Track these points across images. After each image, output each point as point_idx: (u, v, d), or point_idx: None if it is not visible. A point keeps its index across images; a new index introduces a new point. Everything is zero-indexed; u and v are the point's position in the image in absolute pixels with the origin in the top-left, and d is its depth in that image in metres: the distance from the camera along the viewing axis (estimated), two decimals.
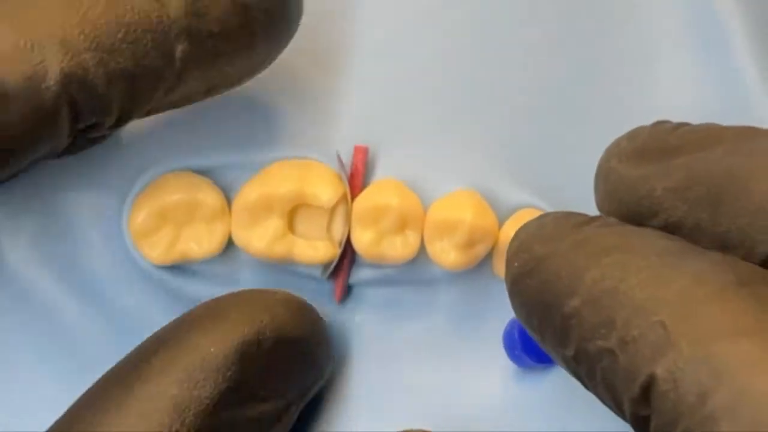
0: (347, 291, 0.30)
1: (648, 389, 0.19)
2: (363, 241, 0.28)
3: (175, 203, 0.27)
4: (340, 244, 0.28)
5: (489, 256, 0.29)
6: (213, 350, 0.24)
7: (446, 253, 0.28)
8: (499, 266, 0.29)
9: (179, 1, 0.24)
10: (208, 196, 0.28)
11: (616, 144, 0.24)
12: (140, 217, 0.27)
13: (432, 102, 0.29)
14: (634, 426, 0.20)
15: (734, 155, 0.21)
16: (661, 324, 0.19)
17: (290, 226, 0.28)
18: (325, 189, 0.28)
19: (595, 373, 0.21)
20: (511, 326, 0.28)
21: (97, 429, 0.23)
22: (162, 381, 0.24)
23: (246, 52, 0.25)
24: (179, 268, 0.29)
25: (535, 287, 0.22)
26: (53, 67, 0.22)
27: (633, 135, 0.24)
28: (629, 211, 0.23)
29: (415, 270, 0.29)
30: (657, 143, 0.23)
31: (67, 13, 0.22)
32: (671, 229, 0.22)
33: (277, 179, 0.28)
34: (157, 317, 0.28)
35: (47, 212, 0.28)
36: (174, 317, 0.26)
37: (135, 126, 0.27)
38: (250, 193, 0.28)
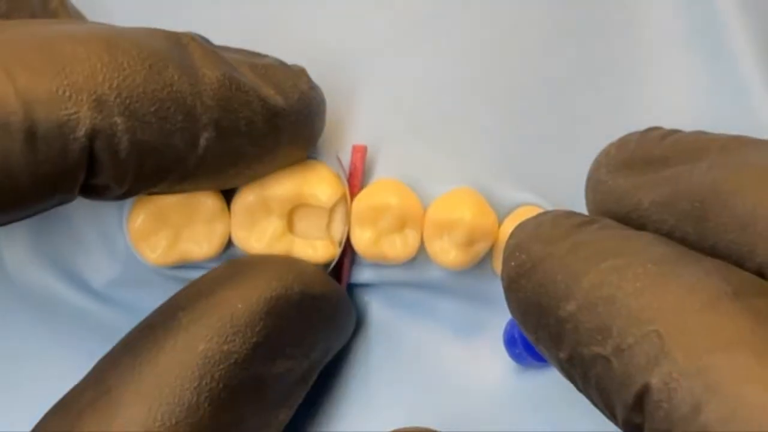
0: (348, 291, 0.30)
1: (642, 398, 0.19)
2: (363, 240, 0.28)
3: (174, 204, 0.27)
4: (340, 243, 0.28)
5: (489, 255, 0.29)
6: (241, 306, 0.25)
7: (446, 252, 0.28)
8: (499, 264, 0.28)
9: (214, 92, 0.24)
10: (207, 197, 0.28)
11: (605, 153, 0.24)
12: (139, 219, 0.27)
13: (430, 101, 0.29)
14: None
15: (719, 169, 0.21)
16: (656, 333, 0.19)
17: (290, 226, 0.28)
18: (325, 189, 0.28)
19: (589, 378, 0.21)
20: (511, 325, 0.28)
21: (126, 383, 0.23)
22: (192, 336, 0.24)
23: (268, 158, 0.26)
24: (179, 268, 0.29)
25: (531, 289, 0.23)
26: (85, 121, 0.22)
27: (622, 143, 0.24)
28: (619, 222, 0.23)
29: (415, 269, 0.29)
30: (645, 153, 0.23)
31: (109, 73, 0.23)
32: None
33: (276, 180, 0.28)
34: None
35: (45, 214, 0.28)
36: None
37: None
38: (249, 193, 0.28)
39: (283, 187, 0.28)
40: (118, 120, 0.23)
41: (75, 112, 0.22)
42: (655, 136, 0.24)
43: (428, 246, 0.28)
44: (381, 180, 0.28)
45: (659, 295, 0.20)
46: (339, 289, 0.28)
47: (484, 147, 0.29)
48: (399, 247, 0.28)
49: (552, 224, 0.23)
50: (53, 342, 0.30)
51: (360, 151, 0.28)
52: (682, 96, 0.30)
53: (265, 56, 0.26)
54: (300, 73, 0.27)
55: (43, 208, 0.23)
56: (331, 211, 0.28)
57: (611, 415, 0.21)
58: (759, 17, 0.29)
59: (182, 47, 0.24)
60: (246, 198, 0.28)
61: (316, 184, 0.28)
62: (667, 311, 0.19)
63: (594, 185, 0.24)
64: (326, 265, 0.29)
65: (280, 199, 0.28)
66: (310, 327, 0.27)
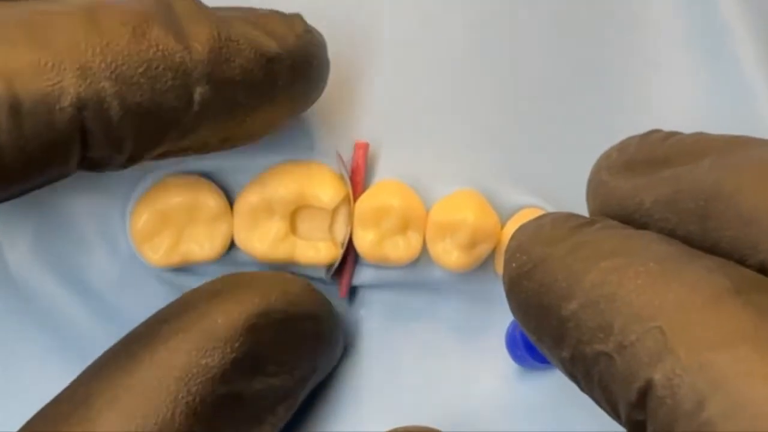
0: (350, 291, 0.30)
1: (645, 394, 0.19)
2: (365, 242, 0.28)
3: (176, 206, 0.27)
4: (342, 244, 0.28)
5: (491, 257, 0.29)
6: (221, 321, 0.25)
7: (448, 254, 0.28)
8: (501, 266, 0.29)
9: (204, 45, 0.24)
10: (210, 199, 0.28)
11: (606, 156, 0.24)
12: (142, 219, 0.27)
13: (433, 103, 0.29)
14: (629, 430, 0.20)
15: (721, 168, 0.21)
16: (658, 330, 0.19)
17: (292, 227, 0.28)
18: (327, 190, 0.28)
19: (592, 376, 0.21)
20: (513, 326, 0.28)
21: (102, 395, 0.23)
22: (170, 349, 0.24)
23: (267, 106, 0.25)
24: (181, 269, 0.29)
25: (533, 289, 0.22)
26: (69, 90, 0.22)
27: (623, 146, 0.24)
28: (622, 223, 0.23)
29: (418, 271, 0.29)
30: (646, 155, 0.23)
31: (91, 39, 0.22)
32: None
33: (278, 181, 0.28)
34: None
35: (48, 215, 0.29)
36: None
37: None
38: (251, 195, 0.28)
39: (285, 188, 0.28)
40: (106, 85, 0.22)
41: (58, 82, 0.22)
42: (655, 138, 0.23)
43: (431, 248, 0.28)
44: (383, 181, 0.29)
45: (661, 293, 0.20)
46: (327, 306, 0.28)
47: (485, 148, 0.29)
48: (401, 248, 0.28)
49: (552, 226, 0.23)
50: (54, 344, 0.30)
51: (362, 148, 0.28)
52: (683, 96, 0.30)
53: (259, 9, 0.26)
54: (295, 18, 0.26)
55: (38, 184, 0.23)
56: (334, 212, 0.28)
57: (614, 413, 0.21)
58: (760, 17, 0.29)
59: (167, 6, 0.24)
60: (249, 199, 0.28)
61: (319, 185, 0.28)
62: (669, 308, 0.19)
63: (595, 188, 0.24)
64: (329, 267, 0.29)
65: (282, 200, 0.28)
66: (293, 345, 0.26)
